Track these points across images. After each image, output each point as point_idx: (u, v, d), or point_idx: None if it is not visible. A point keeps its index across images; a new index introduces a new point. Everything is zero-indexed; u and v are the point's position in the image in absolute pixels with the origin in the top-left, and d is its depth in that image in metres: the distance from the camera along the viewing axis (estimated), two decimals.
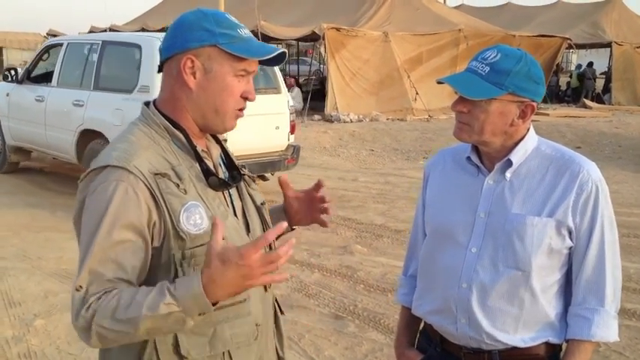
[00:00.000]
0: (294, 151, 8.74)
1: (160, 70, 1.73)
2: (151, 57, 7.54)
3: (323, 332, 4.65)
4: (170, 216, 1.58)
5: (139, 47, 7.83)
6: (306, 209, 2.04)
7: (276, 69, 8.75)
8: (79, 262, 1.56)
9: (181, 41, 1.65)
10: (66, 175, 10.63)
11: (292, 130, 8.81)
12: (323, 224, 2.05)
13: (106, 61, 8.36)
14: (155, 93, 8.18)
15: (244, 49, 1.66)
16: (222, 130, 1.75)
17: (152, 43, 7.67)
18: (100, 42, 8.55)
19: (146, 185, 1.57)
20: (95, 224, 1.54)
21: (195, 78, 1.65)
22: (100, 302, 1.50)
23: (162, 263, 1.60)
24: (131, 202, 1.55)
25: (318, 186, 2.01)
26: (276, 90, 8.67)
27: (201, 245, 1.60)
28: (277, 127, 8.59)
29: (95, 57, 8.48)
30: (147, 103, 1.76)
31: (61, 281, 5.63)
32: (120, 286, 1.53)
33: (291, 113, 8.76)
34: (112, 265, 1.53)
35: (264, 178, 8.80)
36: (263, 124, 8.06)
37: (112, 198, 1.54)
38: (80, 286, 1.53)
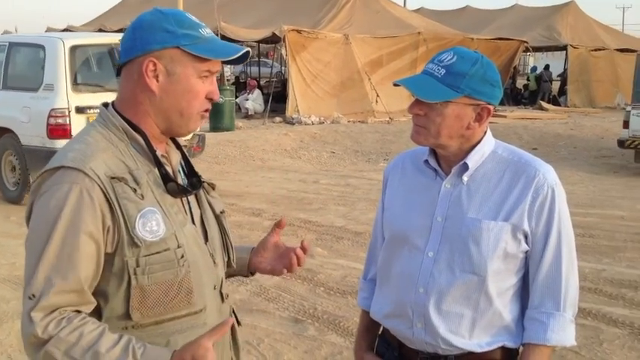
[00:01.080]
0: (200, 139, 9.52)
1: (118, 74, 1.67)
2: (55, 57, 8.12)
3: (282, 336, 4.61)
4: (125, 222, 1.53)
5: (43, 48, 8.40)
6: (272, 257, 1.94)
7: None
8: (29, 267, 1.50)
9: (141, 43, 1.59)
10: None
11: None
12: (277, 273, 1.95)
13: (13, 62, 8.96)
14: (60, 91, 8.01)
15: (208, 50, 1.62)
16: (186, 132, 1.71)
17: (55, 44, 8.27)
18: (7, 43, 9.06)
19: (101, 189, 1.51)
20: (48, 228, 1.49)
21: (157, 81, 1.60)
22: (58, 330, 1.46)
23: (116, 271, 1.54)
24: (85, 206, 1.50)
25: (304, 248, 1.92)
26: None
27: (157, 253, 1.55)
28: None
29: (3, 57, 8.90)
30: (105, 105, 1.70)
31: (13, 288, 5.49)
32: (75, 302, 1.50)
33: None
34: (65, 273, 1.48)
35: None
36: None
37: (66, 201, 1.49)
38: (33, 295, 1.47)
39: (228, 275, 1.92)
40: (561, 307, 1.93)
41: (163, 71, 1.60)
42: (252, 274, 1.99)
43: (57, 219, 1.49)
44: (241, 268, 1.95)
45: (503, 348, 1.98)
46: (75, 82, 8.22)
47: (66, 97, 8.03)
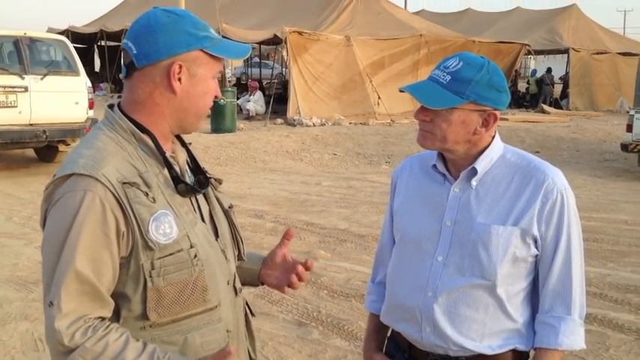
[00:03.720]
0: (92, 122, 10.91)
1: (127, 75, 1.65)
2: None
3: (286, 339, 4.59)
4: (139, 226, 1.54)
5: None
6: (280, 272, 1.96)
7: (76, 56, 11.45)
8: (46, 274, 1.52)
9: (167, 47, 1.60)
10: (22, 180, 10.41)
11: (91, 106, 11.30)
12: (281, 290, 1.97)
13: None
14: None
15: (225, 51, 1.67)
16: (193, 130, 1.74)
17: None
18: None
19: (114, 195, 1.52)
20: (63, 236, 1.50)
21: (180, 83, 1.63)
22: (85, 340, 1.48)
23: (131, 273, 1.57)
24: (99, 213, 1.51)
25: (307, 266, 1.93)
26: (76, 74, 11.21)
27: (171, 254, 1.58)
28: (77, 103, 11.05)
29: None
30: (110, 106, 1.70)
31: (16, 289, 5.47)
32: (97, 307, 1.52)
33: (89, 93, 11.28)
34: (83, 279, 1.50)
35: (65, 143, 11.29)
36: (64, 99, 10.82)
37: (80, 208, 1.50)
38: (51, 302, 1.49)
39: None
40: (572, 311, 1.94)
41: (187, 73, 1.63)
42: (262, 283, 2.01)
43: (71, 226, 1.50)
44: (252, 278, 1.99)
45: (514, 351, 1.98)
46: None
47: None
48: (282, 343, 4.54)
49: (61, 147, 11.51)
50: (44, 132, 10.50)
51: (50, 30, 29.40)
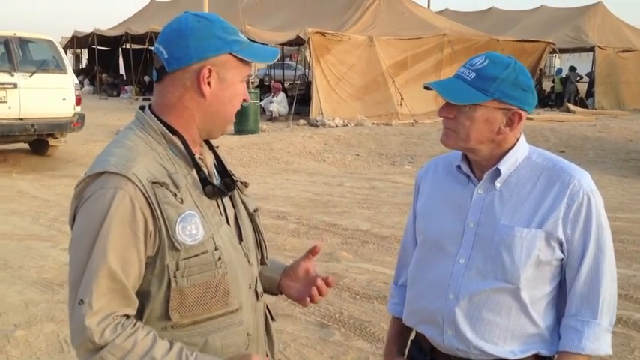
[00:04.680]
0: (80, 117, 11.92)
1: (158, 79, 1.68)
2: None
3: (308, 341, 4.60)
4: (166, 226, 1.56)
5: None
6: (302, 285, 1.95)
7: (64, 55, 12.27)
8: (75, 272, 1.54)
9: (197, 51, 1.62)
10: (49, 183, 10.55)
11: (78, 102, 11.91)
12: (302, 303, 1.96)
13: None
14: None
15: (254, 55, 1.70)
16: (220, 134, 1.76)
17: None
18: None
19: (143, 194, 1.55)
20: (93, 233, 1.52)
21: (210, 87, 1.65)
22: (115, 337, 1.51)
23: (156, 273, 1.59)
24: (129, 211, 1.53)
25: (328, 282, 1.94)
26: (63, 71, 11.92)
27: (196, 256, 1.59)
28: (64, 99, 11.69)
29: None
30: (142, 108, 1.73)
31: (42, 291, 5.54)
32: (124, 304, 1.55)
33: (76, 89, 11.93)
34: (112, 276, 1.52)
35: (54, 137, 12.04)
36: (52, 95, 11.49)
37: (110, 206, 1.52)
38: (82, 300, 1.51)
39: None
40: (598, 316, 1.90)
41: (216, 77, 1.65)
42: (282, 293, 2.01)
43: (101, 224, 1.52)
44: (271, 287, 1.99)
45: (536, 355, 1.95)
46: None
47: None
48: (305, 344, 4.54)
49: (51, 141, 12.35)
50: (33, 126, 11.24)
51: (77, 34, 29.81)
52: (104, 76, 29.95)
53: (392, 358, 2.24)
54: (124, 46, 29.82)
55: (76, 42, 30.76)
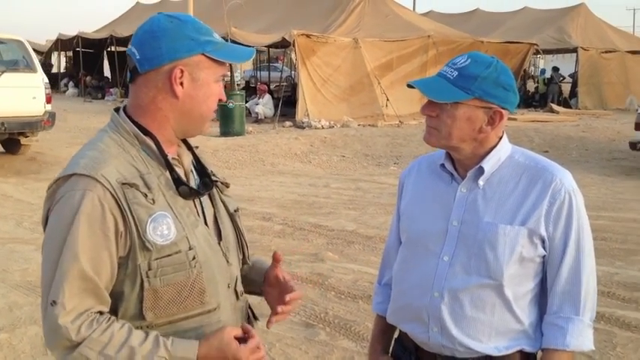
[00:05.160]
0: (50, 115, 12.10)
1: (132, 80, 1.68)
2: None
3: (293, 341, 4.60)
4: (136, 226, 1.56)
5: None
6: (277, 291, 1.91)
7: (33, 55, 12.39)
8: (46, 273, 1.54)
9: (168, 52, 1.62)
10: (33, 186, 10.48)
11: (48, 101, 12.09)
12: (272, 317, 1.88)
13: None
14: None
15: (228, 55, 1.70)
16: (199, 133, 1.76)
17: None
18: None
19: (112, 195, 1.55)
20: (63, 235, 1.53)
21: (183, 87, 1.65)
22: (91, 333, 1.51)
23: (129, 273, 1.59)
24: (98, 213, 1.53)
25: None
26: (33, 71, 12.09)
27: (169, 256, 1.59)
28: (34, 97, 11.84)
29: None
30: (117, 110, 1.73)
31: (26, 294, 5.50)
32: (97, 303, 1.55)
33: (46, 88, 12.04)
34: (82, 276, 1.52)
35: (25, 135, 12.25)
36: (22, 94, 11.65)
37: (79, 207, 1.53)
38: (54, 301, 1.51)
39: (247, 292, 1.92)
40: (580, 312, 1.91)
41: (188, 77, 1.65)
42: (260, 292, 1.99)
43: (70, 225, 1.53)
44: (257, 290, 1.96)
45: (521, 352, 1.97)
46: None
47: None
48: (290, 344, 4.54)
49: (23, 140, 12.53)
50: (3, 124, 11.41)
51: (61, 36, 29.64)
52: (88, 78, 29.79)
53: (376, 357, 2.25)
54: (109, 49, 29.68)
55: (60, 45, 30.59)
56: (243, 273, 1.92)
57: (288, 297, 1.82)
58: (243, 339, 1.64)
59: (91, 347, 1.50)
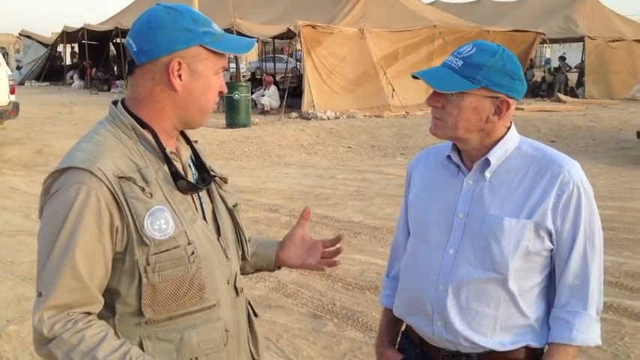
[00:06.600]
0: (14, 106, 12.82)
1: (130, 72, 1.66)
2: None
3: (301, 332, 4.62)
4: (134, 221, 1.54)
5: None
6: (302, 253, 1.97)
7: None
8: (39, 265, 1.54)
9: (165, 44, 1.59)
10: (40, 179, 10.49)
11: (12, 92, 12.82)
12: (317, 268, 1.99)
13: None
14: None
15: (227, 46, 1.66)
16: (199, 126, 1.73)
17: None
18: None
19: (109, 189, 1.53)
20: (56, 228, 1.51)
21: (180, 79, 1.62)
22: (63, 332, 1.50)
23: (127, 269, 1.57)
24: (93, 206, 1.51)
25: (338, 239, 2.01)
26: None
27: (167, 251, 1.57)
28: None
29: None
30: (115, 102, 1.71)
31: (34, 286, 5.50)
32: (83, 303, 1.53)
33: (10, 80, 12.79)
34: (71, 272, 1.50)
35: None
36: None
37: (74, 201, 1.51)
38: (41, 293, 1.51)
39: (255, 270, 1.94)
40: (588, 307, 1.89)
41: (187, 69, 1.62)
42: (279, 267, 2.01)
43: (65, 219, 1.51)
44: (268, 263, 1.99)
45: (527, 348, 1.94)
46: None
47: None
48: (297, 335, 4.56)
49: None
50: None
51: (66, 29, 29.61)
52: (94, 70, 29.78)
53: (383, 349, 2.24)
54: (114, 41, 29.66)
55: (65, 37, 30.58)
56: (252, 250, 1.92)
57: (338, 245, 1.98)
58: None
59: (59, 347, 1.49)
